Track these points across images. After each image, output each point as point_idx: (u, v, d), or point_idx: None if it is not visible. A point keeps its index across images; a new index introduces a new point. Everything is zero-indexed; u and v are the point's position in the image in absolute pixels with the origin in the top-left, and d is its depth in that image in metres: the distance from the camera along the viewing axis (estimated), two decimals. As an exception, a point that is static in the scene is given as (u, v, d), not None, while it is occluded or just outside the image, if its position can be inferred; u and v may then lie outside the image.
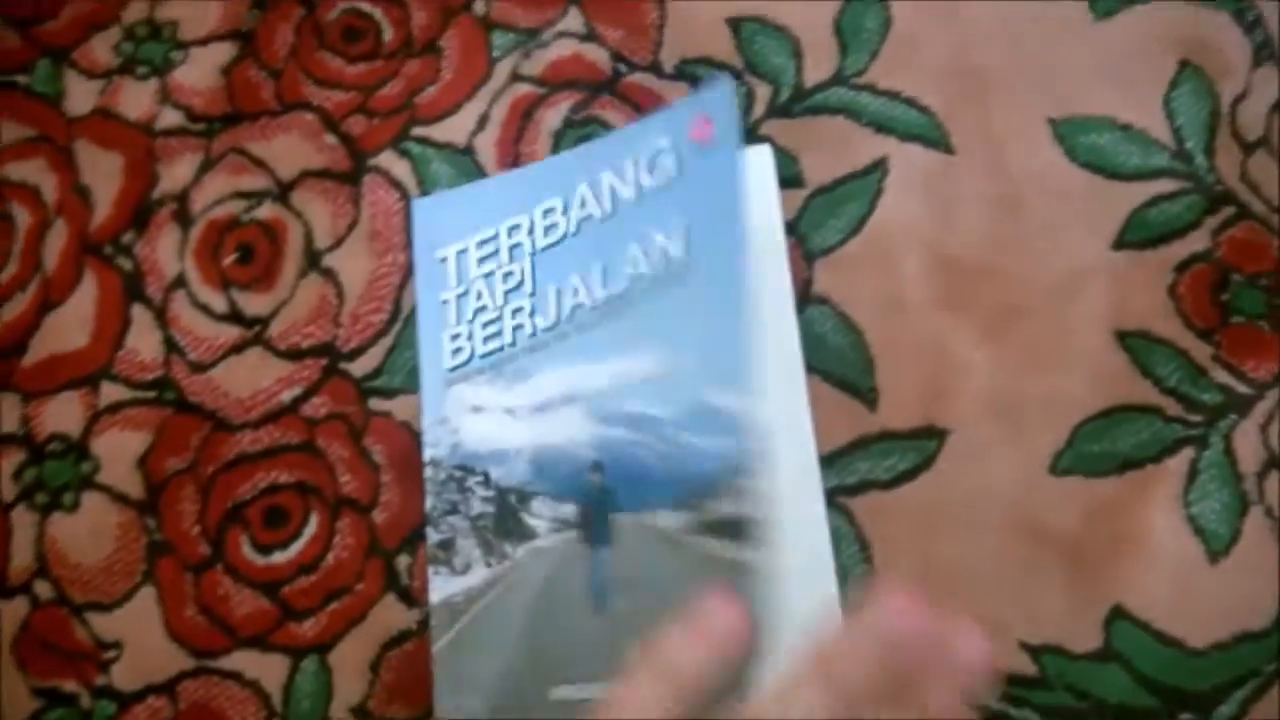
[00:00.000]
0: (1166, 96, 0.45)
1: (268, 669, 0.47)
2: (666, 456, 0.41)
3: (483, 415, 0.46)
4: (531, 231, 0.47)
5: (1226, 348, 0.42)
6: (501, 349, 0.46)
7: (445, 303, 0.48)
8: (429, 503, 0.46)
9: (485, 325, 0.47)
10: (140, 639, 0.48)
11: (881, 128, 0.46)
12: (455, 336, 0.47)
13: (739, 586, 0.37)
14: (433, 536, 0.45)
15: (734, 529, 0.39)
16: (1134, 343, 0.42)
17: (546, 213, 0.47)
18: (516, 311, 0.46)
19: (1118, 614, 0.40)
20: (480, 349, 0.47)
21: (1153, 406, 0.42)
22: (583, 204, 0.46)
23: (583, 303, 0.45)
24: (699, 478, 0.40)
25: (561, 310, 0.45)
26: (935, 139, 0.46)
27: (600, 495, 0.43)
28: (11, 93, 0.57)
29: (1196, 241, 0.43)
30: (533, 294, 0.46)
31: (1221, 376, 0.42)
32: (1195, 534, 0.40)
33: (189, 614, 0.48)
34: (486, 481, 0.45)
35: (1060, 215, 0.44)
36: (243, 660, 0.47)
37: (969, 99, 0.46)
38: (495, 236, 0.48)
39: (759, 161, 0.46)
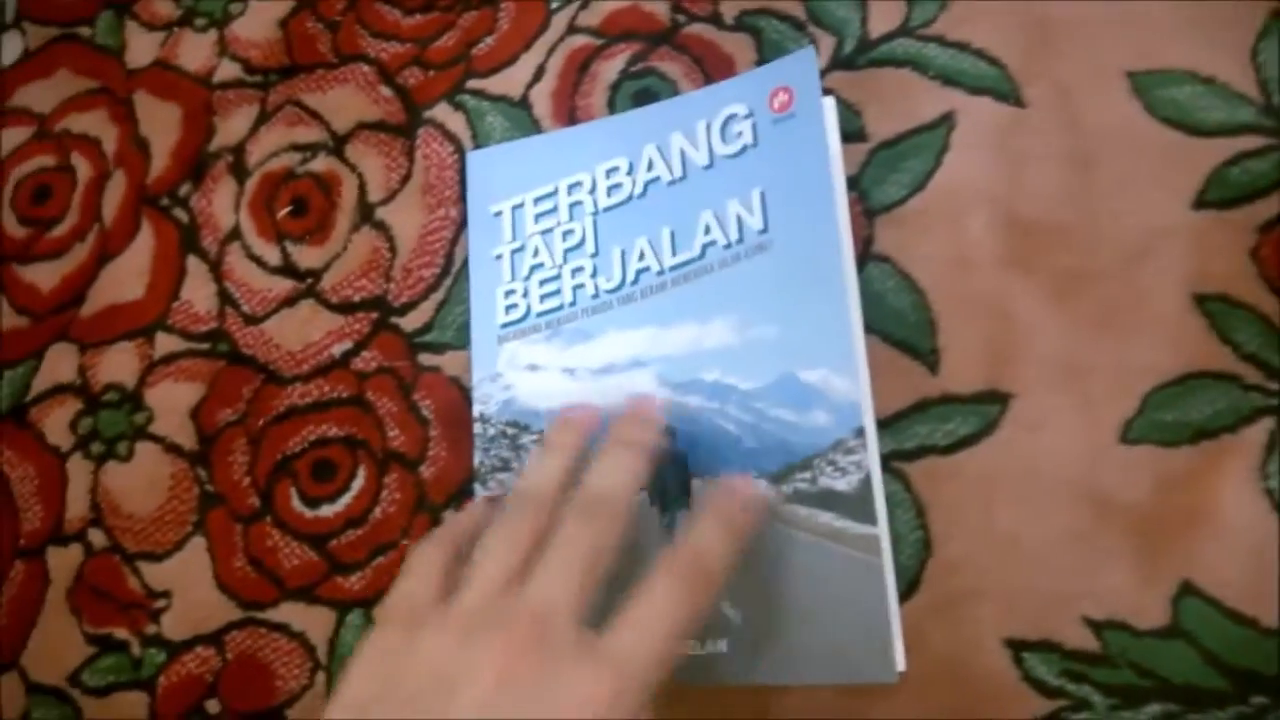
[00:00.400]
0: (1254, 48, 0.42)
1: (314, 621, 0.47)
2: (752, 427, 0.41)
3: (539, 373, 0.45)
4: (593, 190, 0.46)
5: (1312, 313, 0.40)
6: (560, 308, 0.46)
7: (499, 257, 0.47)
8: (477, 458, 0.45)
9: (543, 283, 0.46)
10: (190, 589, 0.49)
11: (949, 80, 0.45)
12: (510, 293, 0.46)
13: (834, 554, 0.39)
14: (481, 493, 0.45)
15: (833, 500, 0.39)
16: (1212, 306, 0.40)
17: (610, 172, 0.46)
18: (577, 271, 0.46)
19: (1187, 590, 0.38)
20: (537, 306, 0.46)
21: (1230, 374, 0.40)
22: (650, 166, 0.45)
23: (649, 266, 0.44)
24: (791, 449, 0.40)
25: (626, 273, 0.45)
26: (1005, 92, 0.44)
27: (673, 458, 0.42)
28: (74, 45, 0.57)
29: (1282, 201, 0.41)
30: (595, 254, 0.45)
31: (1306, 344, 0.39)
32: (1273, 509, 0.38)
33: (238, 565, 0.48)
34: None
35: (1137, 173, 0.42)
36: (290, 612, 0.47)
37: (1042, 50, 0.44)
38: (554, 193, 0.47)
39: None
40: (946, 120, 0.44)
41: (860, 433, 0.40)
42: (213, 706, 0.47)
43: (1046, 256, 0.42)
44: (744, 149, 0.44)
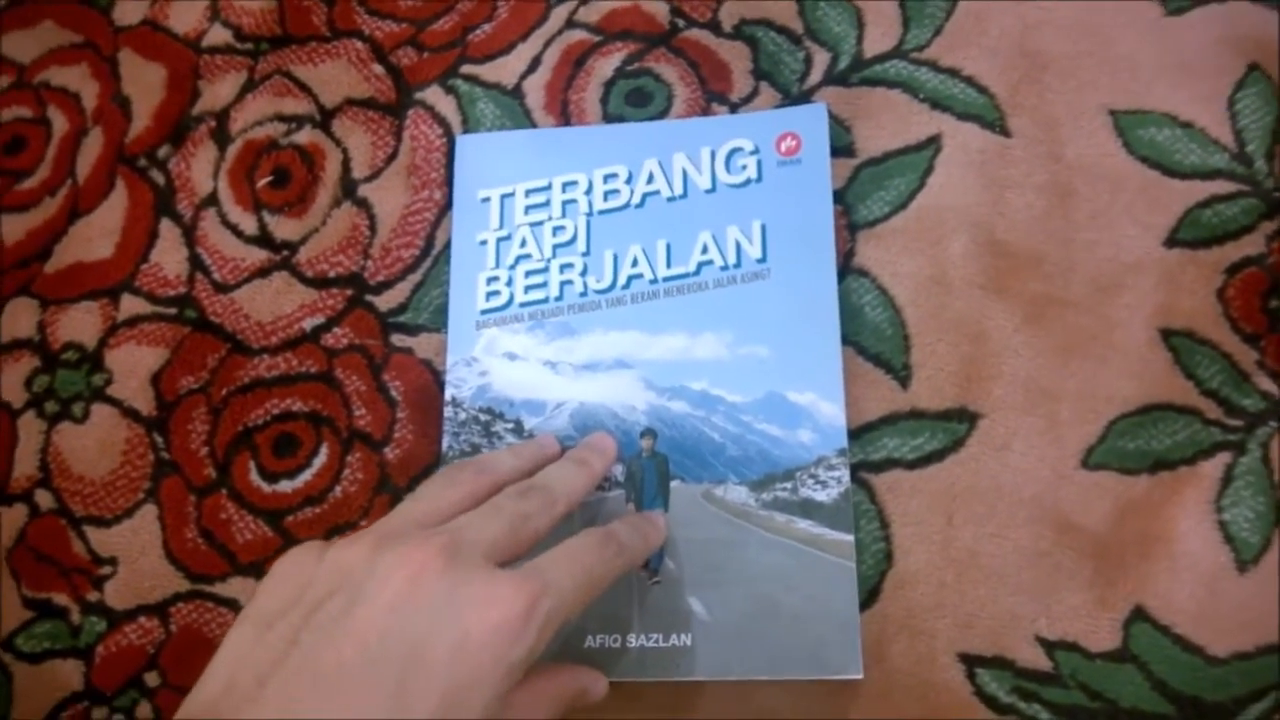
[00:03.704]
0: (1231, 98, 0.44)
1: (264, 597, 0.46)
2: (736, 437, 0.43)
3: (518, 363, 0.45)
4: (589, 192, 0.47)
5: (1272, 355, 0.41)
6: (545, 300, 0.46)
7: (483, 243, 0.47)
8: (446, 442, 0.45)
9: (529, 274, 0.46)
10: (137, 557, 0.47)
11: (938, 104, 0.46)
12: (492, 279, 0.46)
13: (807, 557, 0.41)
14: None
15: (812, 509, 0.42)
16: (1178, 342, 0.41)
17: (608, 178, 0.47)
18: (566, 267, 0.46)
19: (1139, 615, 0.39)
20: (521, 296, 0.46)
21: (1192, 408, 0.41)
22: (650, 179, 0.47)
23: (642, 274, 0.46)
24: (774, 460, 0.42)
25: (618, 276, 0.46)
26: (992, 120, 0.45)
27: (652, 461, 0.43)
28: (61, -2, 0.56)
29: (1250, 245, 0.42)
30: (586, 254, 0.46)
31: (1265, 383, 0.41)
32: (1225, 541, 0.39)
33: (189, 536, 0.47)
34: (519, 429, 0.44)
35: (1113, 207, 0.43)
36: (239, 587, 0.46)
37: (1030, 83, 0.45)
38: (547, 188, 0.47)
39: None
40: (933, 143, 0.45)
41: (843, 452, 0.42)
42: (151, 679, 0.46)
43: (1021, 282, 0.43)
44: (748, 181, 0.46)
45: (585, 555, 0.34)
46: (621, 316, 0.45)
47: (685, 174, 0.46)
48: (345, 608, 0.30)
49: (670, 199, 0.46)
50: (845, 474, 0.42)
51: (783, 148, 0.46)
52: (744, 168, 0.46)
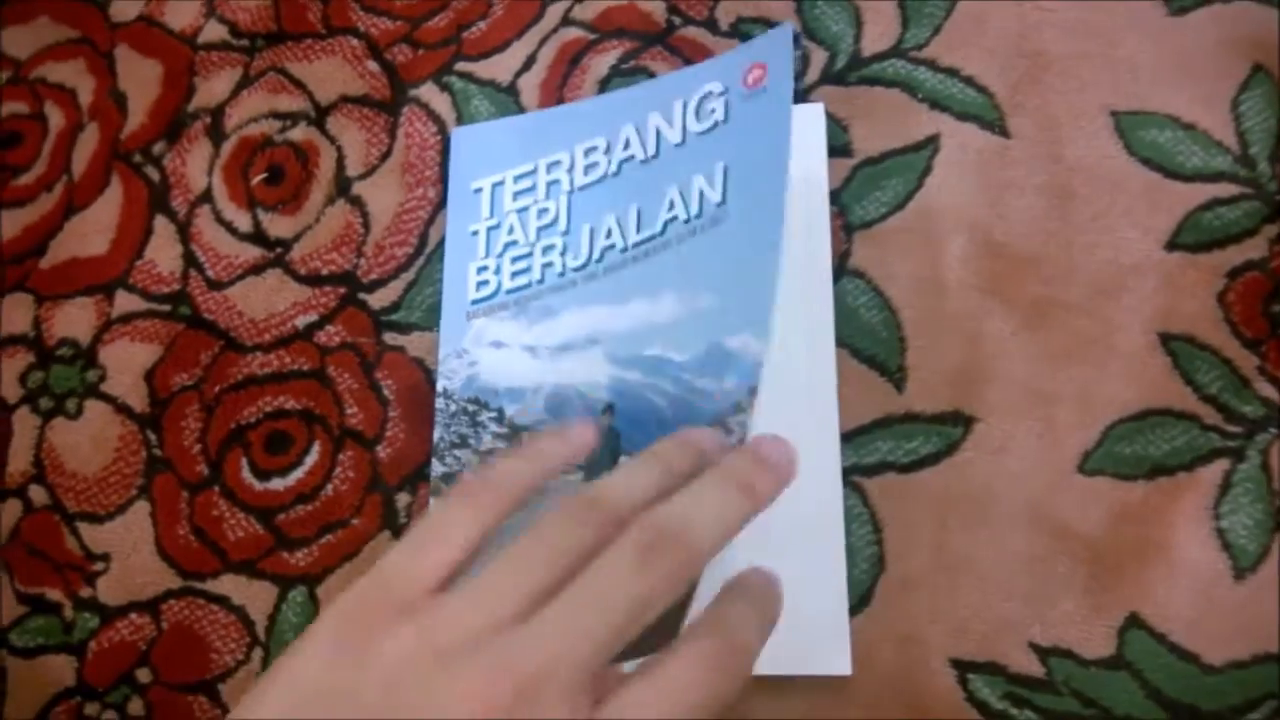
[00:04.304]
0: (1235, 100, 0.43)
1: (255, 596, 0.46)
2: (676, 399, 0.41)
3: (503, 351, 0.45)
4: (571, 169, 0.46)
5: (1273, 360, 0.40)
6: (529, 285, 0.45)
7: (475, 233, 0.47)
8: (437, 434, 0.45)
9: (515, 260, 0.46)
10: (129, 553, 0.47)
11: (937, 104, 0.45)
12: (482, 269, 0.46)
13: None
14: (437, 469, 0.44)
15: None
16: (1178, 346, 0.41)
17: (589, 151, 0.46)
18: (548, 249, 0.45)
19: (1134, 622, 0.39)
20: (507, 284, 0.46)
21: (1190, 414, 0.40)
22: (626, 145, 0.45)
23: (614, 244, 0.44)
24: (702, 419, 0.39)
25: (593, 251, 0.44)
26: (991, 120, 0.44)
27: (607, 437, 0.42)
28: (57, -8, 0.56)
29: (1252, 249, 0.41)
30: (566, 232, 0.45)
31: (1265, 389, 0.40)
32: (1222, 548, 0.39)
33: (181, 533, 0.47)
34: (500, 418, 0.44)
35: (1113, 210, 0.43)
36: (231, 585, 0.46)
37: (1030, 83, 0.45)
38: (534, 171, 0.47)
39: (810, 121, 0.45)
40: (931, 143, 0.45)
41: (753, 391, 0.39)
42: (143, 675, 0.46)
43: (1019, 284, 0.43)
44: (715, 125, 0.44)
45: (693, 696, 0.26)
46: (593, 291, 0.44)
47: (658, 132, 0.45)
48: None
49: (644, 161, 0.45)
50: (748, 417, 0.38)
51: (749, 79, 0.43)
52: (712, 111, 0.44)
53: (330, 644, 0.26)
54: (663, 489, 0.29)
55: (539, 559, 0.26)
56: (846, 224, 0.45)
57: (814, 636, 0.39)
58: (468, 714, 0.24)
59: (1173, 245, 0.42)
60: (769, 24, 0.48)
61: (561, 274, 0.45)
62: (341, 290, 0.48)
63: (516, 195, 0.47)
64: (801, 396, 0.42)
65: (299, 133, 0.51)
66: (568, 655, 0.24)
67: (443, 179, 0.49)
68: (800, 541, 0.39)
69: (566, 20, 0.50)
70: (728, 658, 0.26)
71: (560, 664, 0.24)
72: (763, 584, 0.30)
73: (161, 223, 0.51)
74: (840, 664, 0.39)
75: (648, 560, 0.26)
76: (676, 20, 0.49)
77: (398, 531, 0.45)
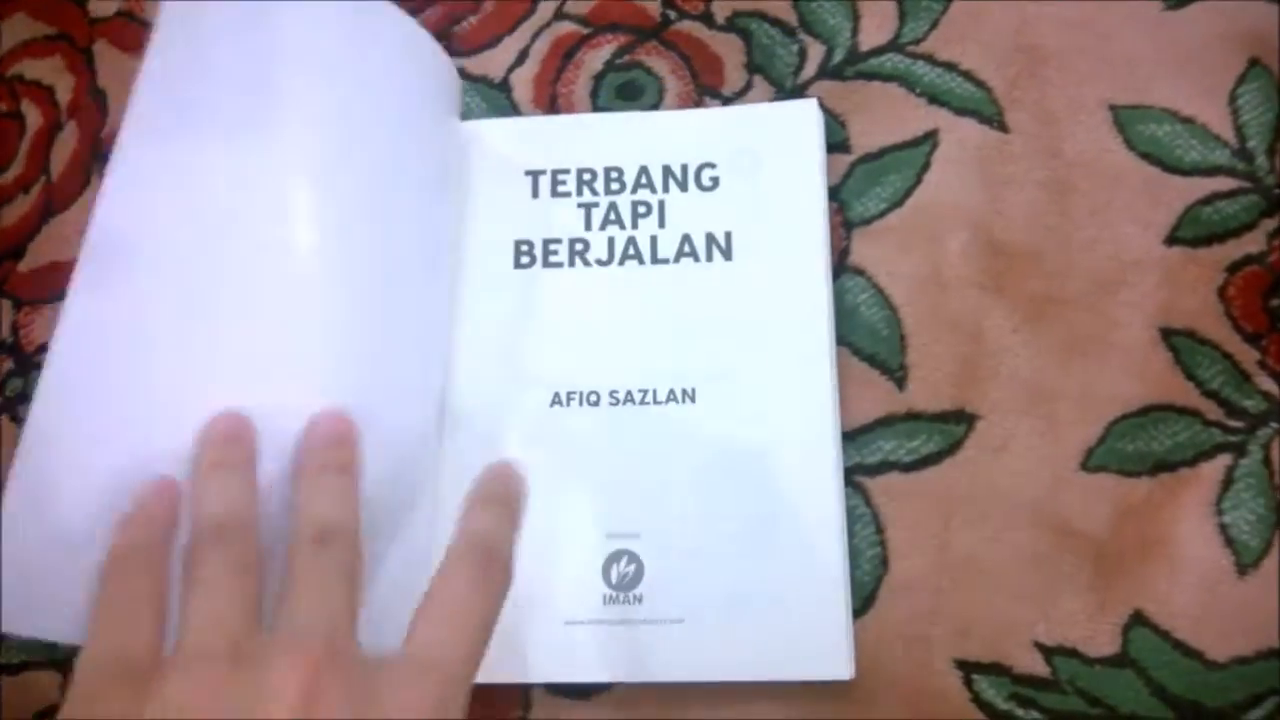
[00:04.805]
0: (1232, 93, 0.43)
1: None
2: None
3: None
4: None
5: (1274, 354, 0.40)
6: None
7: None
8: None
9: None
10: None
11: (935, 99, 0.45)
12: None
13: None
14: None
15: None
16: (1179, 342, 0.41)
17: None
18: None
19: (1138, 620, 0.39)
20: None
21: (1192, 409, 0.40)
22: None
23: None
24: None
25: None
26: (990, 115, 0.44)
27: None
28: (33, -13, 0.55)
29: (1251, 243, 0.41)
30: None
31: (1266, 384, 0.40)
32: (1225, 544, 0.39)
33: (170, 540, 0.46)
34: None
35: (1113, 205, 0.43)
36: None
37: (1029, 77, 0.44)
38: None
39: (804, 118, 0.44)
40: (930, 138, 0.44)
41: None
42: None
43: (1019, 281, 0.42)
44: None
45: (478, 601, 0.29)
46: None
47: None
48: None
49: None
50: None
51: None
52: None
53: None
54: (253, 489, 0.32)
55: (223, 585, 0.29)
56: (846, 221, 0.44)
57: (813, 642, 0.38)
58: (301, 684, 0.25)
59: (1172, 240, 0.42)
60: (766, 18, 0.47)
61: None
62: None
63: None
64: (797, 397, 0.41)
65: (285, 131, 0.50)
66: (332, 618, 0.28)
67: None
68: (799, 545, 0.39)
69: (560, 14, 0.49)
70: (490, 561, 0.30)
71: (335, 624, 0.28)
72: (500, 482, 0.33)
73: (145, 224, 0.50)
74: (840, 669, 0.38)
75: (321, 550, 0.30)
76: (672, 14, 0.48)
77: None
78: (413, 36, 0.42)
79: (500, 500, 0.32)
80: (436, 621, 0.29)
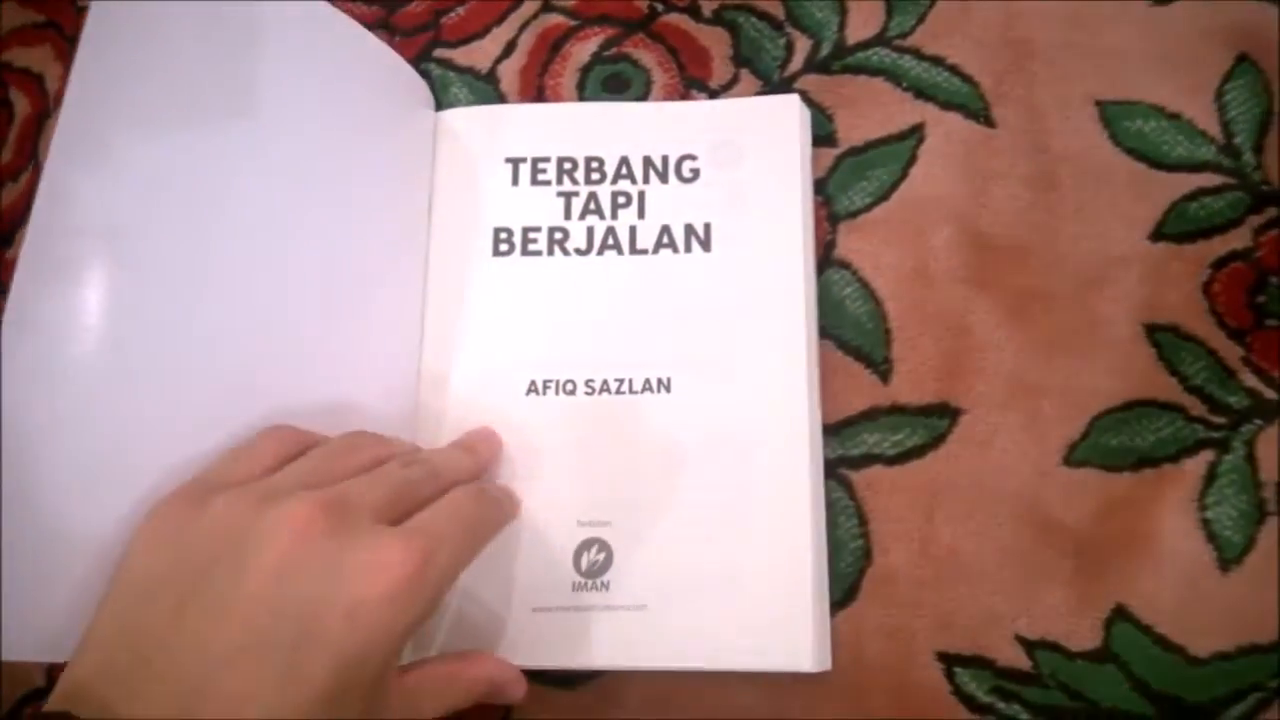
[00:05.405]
0: (1219, 90, 0.43)
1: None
2: None
3: None
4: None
5: (1258, 351, 0.40)
6: None
7: None
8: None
9: None
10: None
11: (922, 93, 0.45)
12: None
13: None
14: None
15: None
16: (1163, 337, 0.41)
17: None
18: None
19: (1120, 615, 0.39)
20: None
21: (1176, 405, 0.40)
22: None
23: None
24: None
25: None
26: (976, 110, 0.44)
27: None
28: (22, -24, 0.55)
29: (1236, 239, 0.41)
30: None
31: (1250, 380, 0.40)
32: (1208, 540, 0.39)
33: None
34: None
35: (1098, 200, 0.43)
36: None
37: (1016, 72, 0.44)
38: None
39: (786, 112, 0.44)
40: (916, 132, 0.44)
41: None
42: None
43: (1005, 275, 0.42)
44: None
45: (465, 508, 0.34)
46: None
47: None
48: (231, 577, 0.28)
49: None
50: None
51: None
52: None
53: (158, 528, 0.31)
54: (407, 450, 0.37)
55: (333, 455, 0.34)
56: (831, 214, 0.44)
57: (779, 632, 0.38)
58: (296, 528, 0.29)
59: (1157, 236, 0.42)
60: (753, 11, 0.47)
61: None
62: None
63: None
64: (772, 388, 0.41)
65: (273, 121, 0.50)
66: (363, 498, 0.31)
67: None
68: (768, 536, 0.39)
69: (547, 7, 0.49)
70: (487, 494, 0.36)
71: (358, 502, 0.31)
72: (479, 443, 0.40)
73: (132, 212, 0.50)
74: (803, 660, 0.38)
75: (409, 465, 0.34)
76: (659, 7, 0.48)
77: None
78: (357, 38, 0.42)
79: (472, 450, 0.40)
80: (434, 510, 0.33)
